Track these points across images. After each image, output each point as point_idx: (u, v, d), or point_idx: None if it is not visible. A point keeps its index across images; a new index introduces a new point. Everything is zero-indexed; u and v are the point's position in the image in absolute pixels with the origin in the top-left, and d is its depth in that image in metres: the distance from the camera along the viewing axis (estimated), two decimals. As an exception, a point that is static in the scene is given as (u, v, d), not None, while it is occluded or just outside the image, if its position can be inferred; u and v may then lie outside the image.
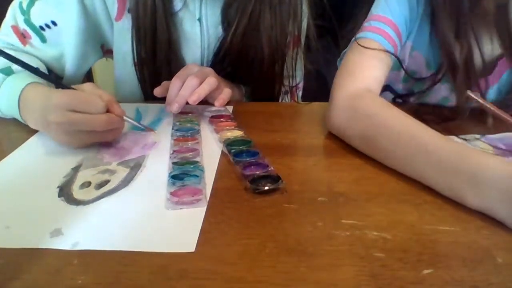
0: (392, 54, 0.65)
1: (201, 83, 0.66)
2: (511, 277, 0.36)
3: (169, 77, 0.69)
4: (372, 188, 0.49)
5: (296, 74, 0.83)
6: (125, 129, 0.60)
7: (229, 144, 0.57)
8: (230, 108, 0.72)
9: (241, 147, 0.56)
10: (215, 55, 0.77)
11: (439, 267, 0.37)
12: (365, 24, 0.67)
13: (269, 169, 0.51)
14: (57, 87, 0.60)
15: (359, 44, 0.65)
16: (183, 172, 0.50)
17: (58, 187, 0.49)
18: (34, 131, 0.61)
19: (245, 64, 0.76)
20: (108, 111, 0.55)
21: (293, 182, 0.49)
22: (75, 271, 0.36)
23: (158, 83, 0.71)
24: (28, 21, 0.71)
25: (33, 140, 0.60)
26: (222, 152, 0.57)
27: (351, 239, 0.40)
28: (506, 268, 0.37)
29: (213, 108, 0.71)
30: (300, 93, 0.90)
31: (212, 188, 0.48)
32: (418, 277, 0.36)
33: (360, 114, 0.56)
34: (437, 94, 0.72)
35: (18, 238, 0.40)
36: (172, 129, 0.63)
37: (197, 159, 0.54)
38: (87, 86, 0.57)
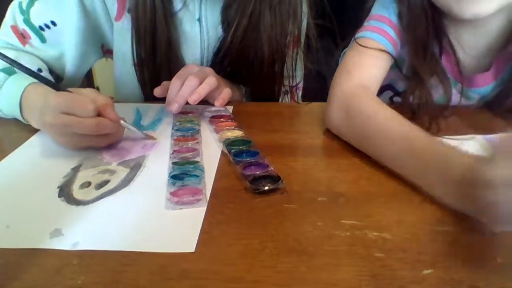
0: (389, 53, 0.65)
1: (201, 83, 0.66)
2: (511, 277, 0.36)
3: (169, 77, 0.69)
4: (372, 188, 0.49)
5: (296, 74, 0.83)
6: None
7: (229, 144, 0.57)
8: (230, 108, 0.72)
9: (241, 147, 0.56)
10: (215, 55, 0.77)
11: (439, 267, 0.37)
12: (365, 23, 0.68)
13: (269, 169, 0.51)
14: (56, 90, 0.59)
15: (358, 43, 0.65)
16: (183, 172, 0.50)
17: (58, 187, 0.49)
18: (34, 131, 0.61)
19: (245, 64, 0.76)
20: (101, 115, 0.54)
21: (293, 182, 0.49)
22: (75, 271, 0.36)
23: (158, 83, 0.70)
24: (27, 21, 0.71)
25: (33, 140, 0.60)
26: (222, 152, 0.57)
27: (351, 239, 0.40)
28: (506, 268, 0.37)
29: (213, 108, 0.71)
30: (300, 93, 0.90)
31: (212, 188, 0.48)
32: (418, 277, 0.36)
33: (354, 112, 0.57)
34: (435, 93, 0.72)
35: (18, 238, 0.40)
36: (172, 129, 0.63)
37: (197, 159, 0.54)
38: (86, 90, 0.56)
